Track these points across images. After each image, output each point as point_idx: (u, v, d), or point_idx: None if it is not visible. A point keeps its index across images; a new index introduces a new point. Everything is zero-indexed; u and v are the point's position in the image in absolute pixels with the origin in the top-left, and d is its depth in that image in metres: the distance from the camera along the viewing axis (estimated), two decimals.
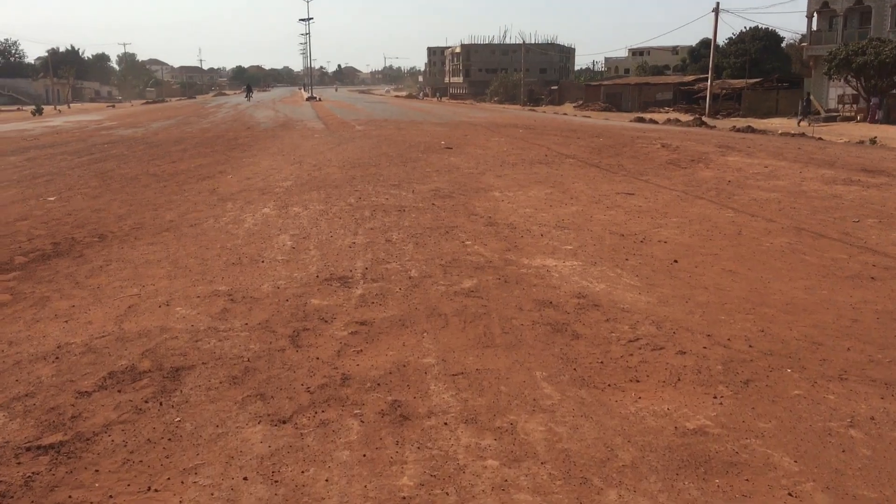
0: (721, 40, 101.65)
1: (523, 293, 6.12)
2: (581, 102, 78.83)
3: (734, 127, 35.42)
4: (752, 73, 65.77)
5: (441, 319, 5.46)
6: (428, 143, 19.82)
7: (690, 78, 71.91)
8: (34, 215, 9.37)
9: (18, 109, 60.33)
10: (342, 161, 15.23)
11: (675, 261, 7.21)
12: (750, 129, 32.29)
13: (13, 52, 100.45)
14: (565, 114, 57.22)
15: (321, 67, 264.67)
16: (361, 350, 4.86)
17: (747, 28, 78.30)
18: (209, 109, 47.91)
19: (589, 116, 50.50)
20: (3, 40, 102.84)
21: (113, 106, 69.47)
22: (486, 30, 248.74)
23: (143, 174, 13.22)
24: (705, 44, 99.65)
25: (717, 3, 45.12)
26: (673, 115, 53.11)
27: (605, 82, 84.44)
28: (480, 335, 5.13)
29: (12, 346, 4.94)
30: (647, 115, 51.22)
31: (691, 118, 47.11)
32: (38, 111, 48.33)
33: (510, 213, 9.63)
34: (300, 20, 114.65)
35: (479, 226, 8.81)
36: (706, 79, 71.57)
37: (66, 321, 5.45)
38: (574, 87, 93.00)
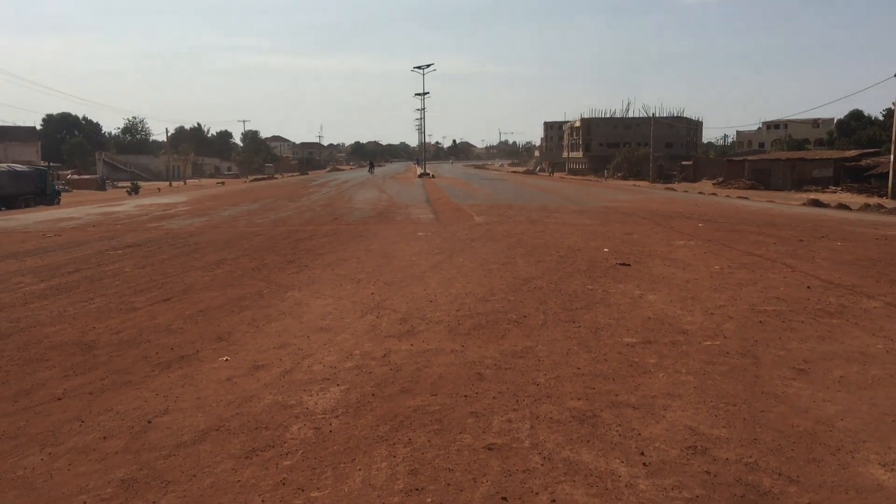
0: (875, 111, 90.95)
1: None
2: (721, 179, 70.26)
3: None
4: None
5: None
6: (584, 250, 12.80)
7: (853, 153, 63.15)
8: None
9: (131, 185, 58.11)
10: (456, 303, 8.40)
11: None
12: None
13: (140, 129, 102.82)
14: (713, 194, 48.88)
15: (437, 143, 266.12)
16: None
17: None
18: (311, 188, 43.06)
19: (746, 197, 42.09)
20: (130, 118, 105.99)
21: (223, 183, 67.04)
22: (605, 104, 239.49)
23: (69, 343, 6.79)
24: (855, 116, 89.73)
25: None
26: (847, 197, 44.19)
27: (751, 157, 75.47)
28: None
29: None
30: (822, 197, 42.33)
31: (876, 200, 38.48)
32: (135, 190, 45.02)
33: None
34: (415, 94, 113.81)
35: None
36: (872, 153, 62.06)
37: None
38: (710, 163, 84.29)
